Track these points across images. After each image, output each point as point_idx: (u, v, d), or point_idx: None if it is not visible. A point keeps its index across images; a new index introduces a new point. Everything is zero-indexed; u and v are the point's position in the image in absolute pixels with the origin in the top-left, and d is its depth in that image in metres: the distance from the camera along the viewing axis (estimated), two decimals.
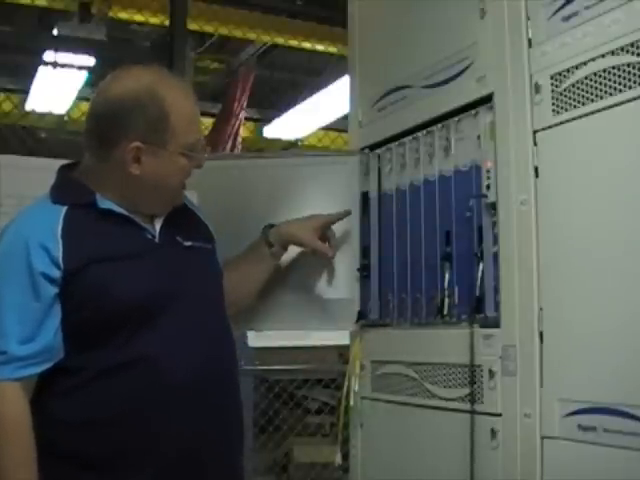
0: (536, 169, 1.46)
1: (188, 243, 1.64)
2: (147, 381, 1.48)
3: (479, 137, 1.64)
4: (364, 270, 1.95)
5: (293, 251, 1.95)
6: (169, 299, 1.54)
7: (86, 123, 1.56)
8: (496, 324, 1.54)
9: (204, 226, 1.75)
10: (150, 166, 1.52)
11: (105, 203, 1.54)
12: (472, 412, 1.56)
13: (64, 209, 1.52)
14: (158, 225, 1.61)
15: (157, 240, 1.59)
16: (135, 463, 1.48)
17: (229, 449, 1.62)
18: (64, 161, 1.67)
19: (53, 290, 1.46)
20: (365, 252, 1.96)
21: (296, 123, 5.76)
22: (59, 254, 1.46)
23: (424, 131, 1.80)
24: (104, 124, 1.52)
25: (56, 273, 1.46)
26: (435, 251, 1.74)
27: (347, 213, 1.91)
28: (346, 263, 1.96)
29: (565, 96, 1.40)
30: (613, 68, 1.31)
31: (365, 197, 1.97)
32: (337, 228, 1.95)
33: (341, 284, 1.95)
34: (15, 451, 1.42)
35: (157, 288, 1.53)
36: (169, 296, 1.54)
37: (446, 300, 1.69)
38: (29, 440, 1.43)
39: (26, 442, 1.43)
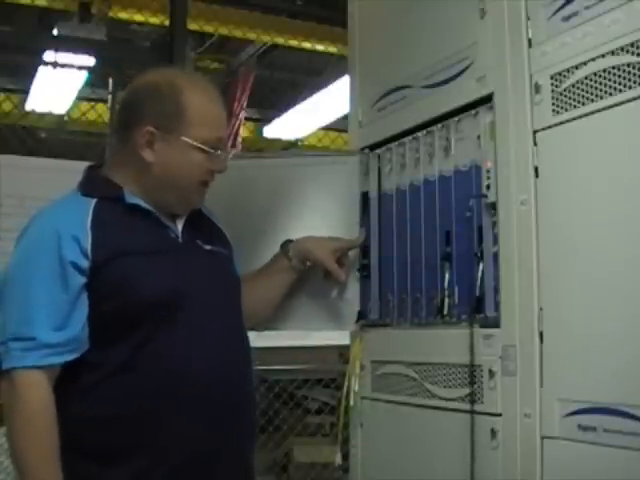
0: (536, 169, 1.46)
1: (208, 247, 1.66)
2: (166, 379, 1.49)
3: (479, 137, 1.64)
4: (364, 270, 1.95)
5: None
6: (191, 299, 1.55)
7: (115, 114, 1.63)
8: (496, 324, 1.54)
9: (221, 232, 1.77)
10: (163, 154, 1.53)
11: (132, 198, 1.56)
12: (472, 412, 1.56)
13: (93, 201, 1.54)
14: (180, 226, 1.62)
15: (180, 240, 1.61)
16: (152, 460, 1.48)
17: (243, 448, 1.63)
18: (64, 161, 1.69)
19: (82, 280, 1.47)
20: (365, 252, 1.96)
21: (296, 123, 5.76)
22: (88, 245, 1.47)
23: (424, 131, 1.80)
24: (125, 108, 1.60)
25: (85, 263, 1.47)
26: (435, 251, 1.74)
27: (364, 237, 1.93)
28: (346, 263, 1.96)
29: (565, 96, 1.40)
30: (613, 68, 1.31)
31: (365, 197, 1.97)
32: (337, 228, 1.95)
33: (341, 284, 1.95)
34: (41, 436, 1.42)
35: (180, 287, 1.54)
36: (191, 296, 1.55)
37: (446, 300, 1.69)
38: (54, 428, 1.43)
39: (51, 429, 1.43)
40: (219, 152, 1.58)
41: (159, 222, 1.59)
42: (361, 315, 1.93)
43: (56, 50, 3.37)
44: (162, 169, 1.54)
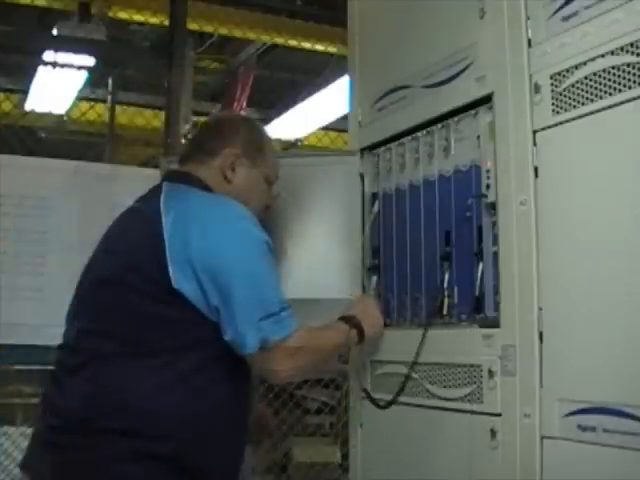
0: (536, 169, 1.46)
1: None
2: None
3: (479, 137, 1.64)
4: (375, 270, 1.95)
5: (293, 249, 1.95)
6: None
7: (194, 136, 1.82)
8: (496, 324, 1.54)
9: None
10: (240, 176, 1.69)
11: None
12: (472, 412, 1.56)
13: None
14: None
15: None
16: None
17: None
18: (63, 161, 1.68)
19: None
20: (375, 252, 1.96)
21: (296, 123, 5.76)
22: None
23: (424, 131, 1.80)
24: (220, 126, 1.78)
25: None
26: (435, 251, 1.74)
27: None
28: (346, 263, 1.96)
29: (565, 96, 1.40)
30: (613, 68, 1.31)
31: (374, 197, 1.98)
32: (339, 228, 1.95)
33: (342, 284, 1.95)
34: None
35: None
36: None
37: (446, 300, 1.70)
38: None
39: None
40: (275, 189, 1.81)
41: None
42: None
43: (56, 50, 3.38)
44: (236, 189, 1.67)
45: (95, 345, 1.47)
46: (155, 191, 1.59)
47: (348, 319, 1.70)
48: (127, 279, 1.48)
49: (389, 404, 1.79)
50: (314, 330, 1.62)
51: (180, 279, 1.44)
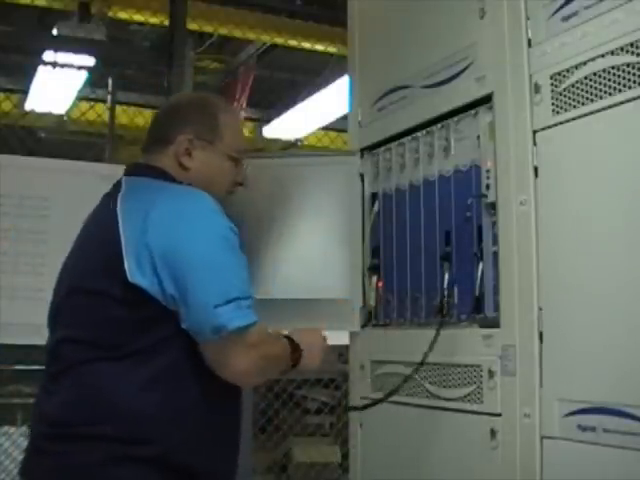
0: (536, 169, 1.46)
1: None
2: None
3: (479, 137, 1.64)
4: (375, 270, 1.95)
5: (293, 250, 1.95)
6: None
7: (149, 127, 1.70)
8: (496, 324, 1.54)
9: None
10: (198, 161, 1.60)
11: None
12: (472, 412, 1.56)
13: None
14: None
15: None
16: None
17: None
18: (63, 161, 1.68)
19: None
20: (375, 252, 1.96)
21: (296, 123, 5.76)
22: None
23: (424, 131, 1.80)
24: (167, 116, 1.68)
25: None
26: (435, 251, 1.74)
27: None
28: (346, 263, 1.96)
29: (565, 96, 1.40)
30: (613, 68, 1.31)
31: (374, 198, 1.98)
32: (338, 228, 1.95)
33: (341, 284, 1.95)
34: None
35: None
36: None
37: (446, 300, 1.70)
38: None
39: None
40: (243, 163, 1.68)
41: None
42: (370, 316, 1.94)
43: (56, 50, 3.37)
44: (196, 175, 1.59)
45: (72, 352, 1.46)
46: (116, 187, 1.56)
47: (293, 342, 1.58)
48: (93, 283, 1.45)
49: (366, 407, 1.79)
50: (272, 335, 1.55)
51: (135, 272, 1.39)
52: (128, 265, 1.39)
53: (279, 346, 1.54)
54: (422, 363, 1.65)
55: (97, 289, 1.44)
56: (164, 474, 1.39)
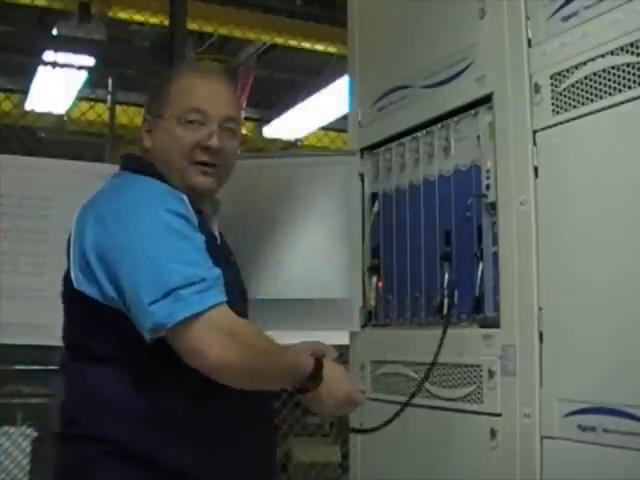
0: (536, 169, 1.46)
1: (233, 258, 1.59)
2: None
3: (479, 137, 1.64)
4: (375, 270, 1.95)
5: (293, 250, 1.95)
6: (244, 307, 1.51)
7: None
8: (496, 324, 1.54)
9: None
10: (154, 138, 1.50)
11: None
12: (472, 412, 1.56)
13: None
14: (215, 230, 1.56)
15: (219, 242, 1.55)
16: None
17: None
18: (63, 161, 1.67)
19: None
20: (375, 252, 1.96)
21: (296, 123, 5.76)
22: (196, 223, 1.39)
23: (424, 131, 1.80)
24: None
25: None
26: (435, 251, 1.74)
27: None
28: (346, 263, 1.96)
29: (565, 96, 1.40)
30: (613, 68, 1.31)
31: (374, 197, 1.98)
32: (338, 228, 1.96)
33: (341, 284, 1.95)
34: (266, 339, 1.35)
35: (239, 294, 1.50)
36: (244, 305, 1.52)
37: (446, 300, 1.70)
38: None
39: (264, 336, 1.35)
40: (201, 126, 1.47)
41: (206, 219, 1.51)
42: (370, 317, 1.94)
43: (56, 50, 3.37)
44: (155, 153, 1.49)
45: (64, 355, 1.48)
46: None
47: (318, 361, 1.42)
48: (64, 288, 1.44)
49: (375, 429, 1.68)
50: (258, 327, 1.37)
51: (81, 281, 1.36)
52: (74, 274, 1.37)
53: (271, 342, 1.36)
54: (433, 364, 1.63)
55: (66, 294, 1.44)
56: (155, 475, 1.34)
